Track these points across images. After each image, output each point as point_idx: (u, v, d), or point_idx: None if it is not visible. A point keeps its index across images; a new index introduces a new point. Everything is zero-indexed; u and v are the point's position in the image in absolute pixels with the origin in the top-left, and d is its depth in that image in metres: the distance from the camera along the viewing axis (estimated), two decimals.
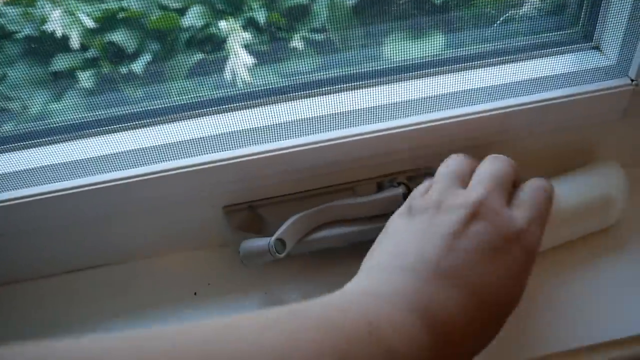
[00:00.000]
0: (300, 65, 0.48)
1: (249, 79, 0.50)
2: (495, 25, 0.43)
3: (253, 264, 0.41)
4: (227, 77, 0.50)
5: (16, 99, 0.50)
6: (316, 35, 0.50)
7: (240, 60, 0.51)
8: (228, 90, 0.46)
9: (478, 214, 0.31)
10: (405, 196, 0.41)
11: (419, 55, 0.44)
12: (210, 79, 0.49)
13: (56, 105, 0.49)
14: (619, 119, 0.44)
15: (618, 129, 0.45)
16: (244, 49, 0.52)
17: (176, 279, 0.45)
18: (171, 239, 0.46)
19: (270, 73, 0.51)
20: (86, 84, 0.51)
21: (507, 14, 0.43)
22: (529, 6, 0.43)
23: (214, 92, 0.47)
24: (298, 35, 0.51)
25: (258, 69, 0.50)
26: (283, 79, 0.47)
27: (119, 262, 0.46)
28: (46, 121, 0.47)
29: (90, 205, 0.41)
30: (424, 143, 0.42)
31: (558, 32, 0.44)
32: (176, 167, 0.41)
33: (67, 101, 0.50)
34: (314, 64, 0.48)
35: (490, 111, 0.41)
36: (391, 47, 0.45)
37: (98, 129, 0.44)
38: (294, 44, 0.51)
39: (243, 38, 0.52)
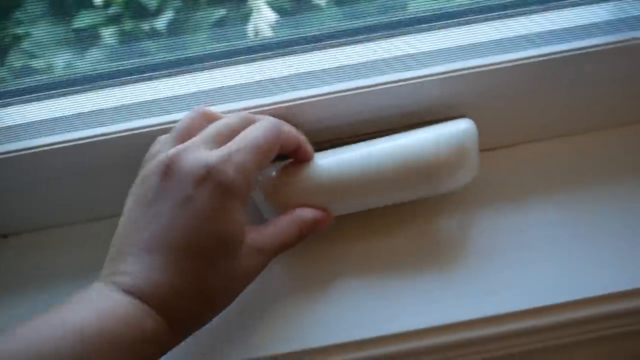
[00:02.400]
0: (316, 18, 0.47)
1: (270, 34, 0.49)
2: None
3: None
4: (250, 33, 0.49)
5: (39, 56, 0.51)
6: None
7: (262, 17, 0.51)
8: (243, 41, 0.45)
9: (170, 170, 0.31)
10: None
11: (449, 4, 0.43)
12: (230, 30, 0.48)
13: (77, 59, 0.49)
14: None
15: None
16: (266, 4, 0.51)
17: None
18: None
19: (290, 26, 0.50)
20: (109, 40, 0.51)
21: None
22: None
23: (232, 43, 0.46)
24: None
25: (278, 23, 0.49)
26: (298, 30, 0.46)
27: None
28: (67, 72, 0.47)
29: (114, 153, 0.41)
30: (454, 91, 0.41)
31: None
32: None
33: (89, 55, 0.50)
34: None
35: (528, 59, 0.40)
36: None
37: (120, 79, 0.43)
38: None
39: None
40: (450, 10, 0.42)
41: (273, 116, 0.38)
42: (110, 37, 0.46)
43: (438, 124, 0.39)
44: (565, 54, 0.40)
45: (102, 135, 0.40)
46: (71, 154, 0.40)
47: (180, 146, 0.32)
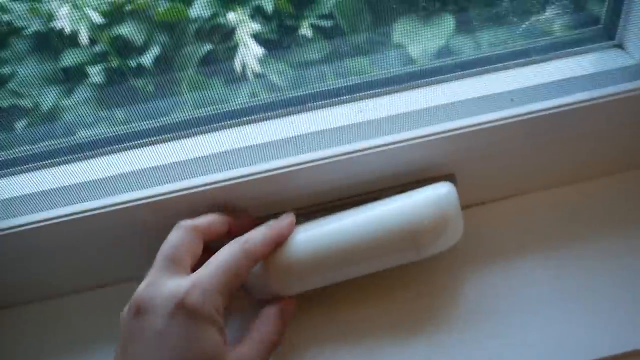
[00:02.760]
0: (314, 68, 0.47)
1: (259, 69, 0.49)
2: (511, 24, 0.41)
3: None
4: (237, 69, 0.49)
5: (26, 95, 0.51)
6: (324, 21, 0.48)
7: (249, 51, 0.50)
8: (247, 101, 0.45)
9: (141, 309, 0.31)
10: None
11: (431, 61, 0.42)
12: (227, 88, 0.47)
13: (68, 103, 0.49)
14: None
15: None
16: (252, 39, 0.50)
17: None
18: None
19: (281, 63, 0.50)
20: (96, 79, 0.50)
21: (525, 14, 0.41)
22: (544, 4, 0.40)
23: (230, 104, 0.45)
24: (306, 22, 0.50)
25: (268, 60, 0.49)
26: (298, 88, 0.45)
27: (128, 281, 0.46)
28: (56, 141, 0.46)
29: (114, 224, 0.41)
30: (444, 150, 0.41)
31: (576, 31, 0.41)
32: (198, 185, 0.40)
33: (78, 98, 0.50)
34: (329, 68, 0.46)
35: (509, 118, 0.40)
36: (408, 49, 0.44)
37: (112, 147, 0.43)
38: (303, 32, 0.49)
39: (251, 28, 0.51)
40: (432, 67, 0.42)
41: (251, 186, 0.38)
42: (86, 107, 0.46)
43: (419, 188, 0.39)
44: (548, 112, 0.40)
45: (84, 212, 0.39)
46: (55, 231, 0.40)
47: (145, 283, 0.33)
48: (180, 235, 0.35)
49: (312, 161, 0.39)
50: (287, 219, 0.38)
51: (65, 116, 0.49)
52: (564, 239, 0.42)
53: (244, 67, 0.49)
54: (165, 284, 0.32)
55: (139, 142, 0.42)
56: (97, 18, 0.52)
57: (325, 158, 0.39)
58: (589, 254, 0.41)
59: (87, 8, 0.51)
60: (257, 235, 0.36)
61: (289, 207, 0.40)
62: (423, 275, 0.42)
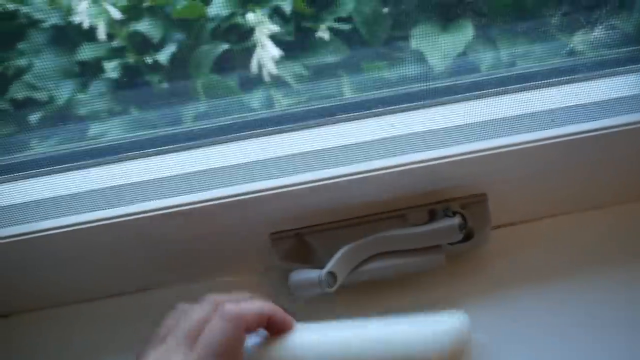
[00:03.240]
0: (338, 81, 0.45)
1: (275, 71, 0.48)
2: (553, 41, 0.39)
3: (302, 296, 0.40)
4: (254, 69, 0.48)
5: (42, 88, 0.51)
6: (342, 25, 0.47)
7: (266, 52, 0.49)
8: (272, 112, 0.44)
9: None
10: (461, 227, 0.39)
11: (468, 77, 0.41)
12: (252, 99, 0.46)
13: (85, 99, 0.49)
14: None
15: None
16: (270, 39, 0.50)
17: None
18: (214, 266, 0.45)
19: (297, 66, 0.48)
20: (112, 74, 0.50)
21: (568, 31, 0.39)
22: (579, 19, 0.38)
23: (259, 114, 0.44)
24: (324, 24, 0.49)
25: (285, 62, 0.48)
26: (324, 99, 0.44)
27: (159, 288, 0.45)
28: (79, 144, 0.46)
29: (133, 233, 0.40)
30: (475, 171, 0.39)
31: (622, 49, 0.39)
32: (222, 197, 0.39)
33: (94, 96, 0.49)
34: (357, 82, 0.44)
35: (548, 139, 0.38)
36: (440, 62, 0.42)
37: (140, 152, 0.42)
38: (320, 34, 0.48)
39: (269, 29, 0.50)
40: (470, 82, 0.40)
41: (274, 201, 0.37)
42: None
43: (431, 317, 0.36)
44: (589, 134, 0.38)
45: (102, 220, 0.39)
46: (72, 238, 0.39)
47: (155, 355, 0.32)
48: (226, 328, 0.33)
49: (340, 176, 0.39)
50: (289, 317, 0.36)
51: (80, 112, 0.49)
52: (595, 263, 0.40)
53: (260, 68, 0.48)
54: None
55: (158, 149, 0.42)
56: (115, 13, 0.51)
57: (355, 174, 0.38)
58: (620, 281, 0.39)
59: (105, 3, 0.51)
60: (254, 305, 0.34)
61: (316, 221, 0.40)
62: (449, 289, 0.41)
